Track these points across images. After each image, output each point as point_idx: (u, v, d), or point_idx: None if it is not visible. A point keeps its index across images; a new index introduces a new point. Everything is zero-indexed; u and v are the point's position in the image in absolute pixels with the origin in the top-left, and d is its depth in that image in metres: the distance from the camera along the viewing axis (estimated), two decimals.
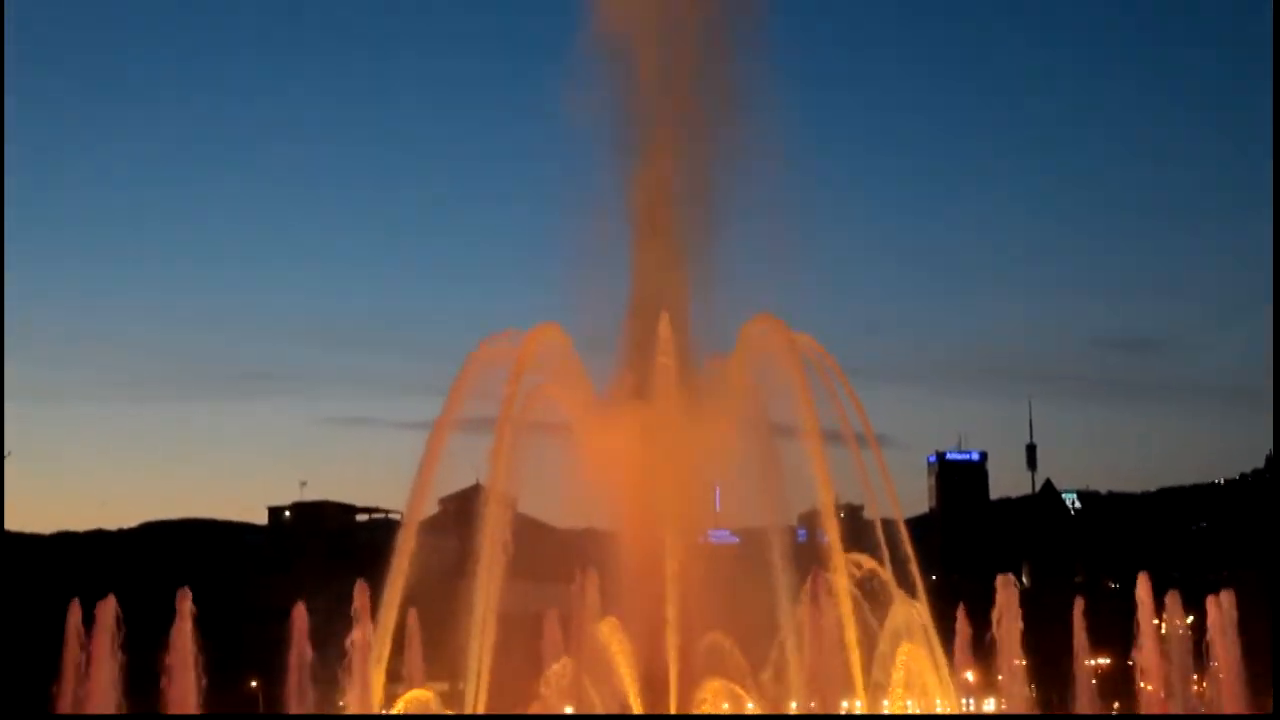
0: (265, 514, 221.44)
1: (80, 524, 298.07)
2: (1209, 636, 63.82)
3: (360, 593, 60.22)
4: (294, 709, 59.46)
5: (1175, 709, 63.26)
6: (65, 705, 57.00)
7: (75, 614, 57.40)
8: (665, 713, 56.72)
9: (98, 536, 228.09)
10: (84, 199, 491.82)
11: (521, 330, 64.06)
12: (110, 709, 57.12)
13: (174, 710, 57.16)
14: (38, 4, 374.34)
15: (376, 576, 60.07)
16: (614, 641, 56.66)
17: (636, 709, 56.43)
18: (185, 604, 57.97)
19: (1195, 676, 67.31)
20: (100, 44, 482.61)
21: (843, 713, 58.89)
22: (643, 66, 69.23)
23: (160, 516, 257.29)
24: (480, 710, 57.31)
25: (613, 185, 70.69)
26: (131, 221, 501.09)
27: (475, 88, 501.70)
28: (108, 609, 57.67)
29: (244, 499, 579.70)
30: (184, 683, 57.49)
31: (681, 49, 70.10)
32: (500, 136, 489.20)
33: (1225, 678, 64.50)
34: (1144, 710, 65.52)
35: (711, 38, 70.59)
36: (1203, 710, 67.21)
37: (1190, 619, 67.57)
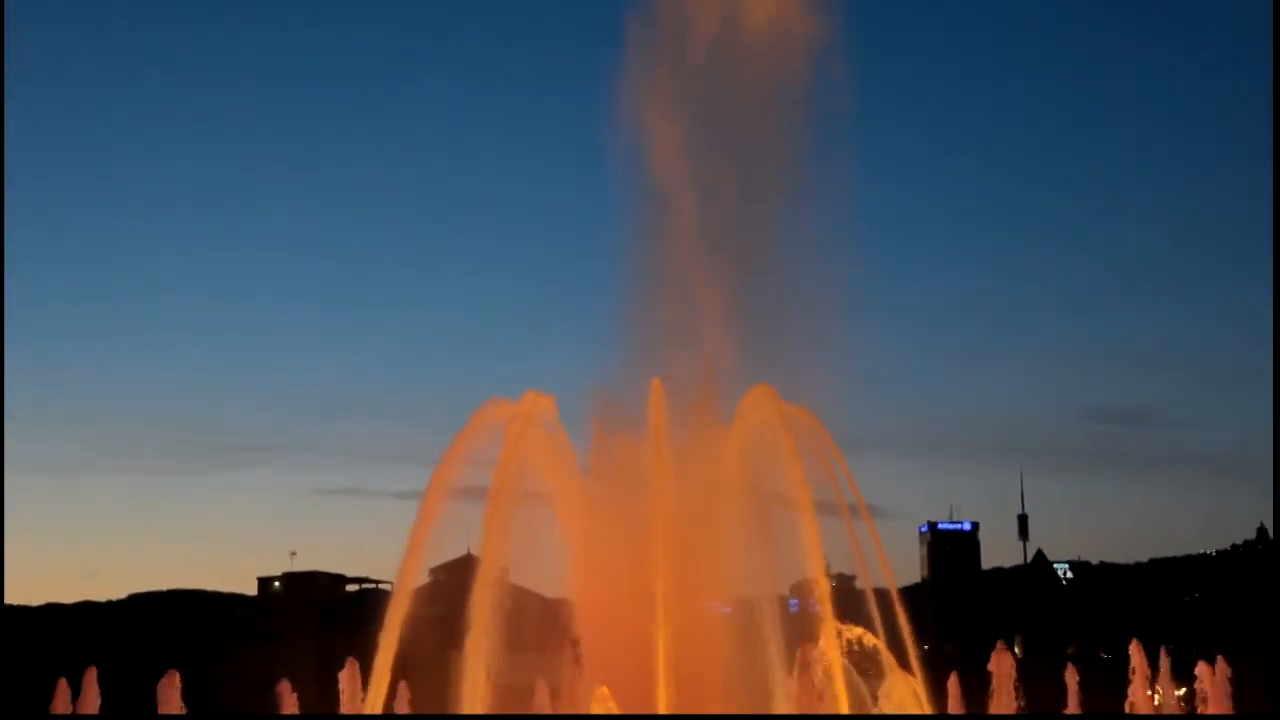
0: (255, 584, 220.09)
1: (68, 596, 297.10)
2: (1204, 701, 63.67)
3: (350, 670, 60.05)
4: None
5: None
6: None
7: (63, 692, 56.39)
8: None
9: (86, 608, 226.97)
10: (75, 272, 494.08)
11: (514, 399, 63.99)
12: None
13: None
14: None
15: (366, 647, 59.72)
16: (605, 713, 56.21)
17: None
18: (172, 691, 56.63)
19: None
20: (100, 127, 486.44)
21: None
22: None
23: (148, 588, 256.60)
24: None
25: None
26: (119, 293, 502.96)
27: (466, 161, 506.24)
28: (90, 685, 56.71)
29: (233, 569, 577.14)
30: None
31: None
32: (494, 207, 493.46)
33: None
34: None
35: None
36: None
37: (1183, 690, 67.31)
